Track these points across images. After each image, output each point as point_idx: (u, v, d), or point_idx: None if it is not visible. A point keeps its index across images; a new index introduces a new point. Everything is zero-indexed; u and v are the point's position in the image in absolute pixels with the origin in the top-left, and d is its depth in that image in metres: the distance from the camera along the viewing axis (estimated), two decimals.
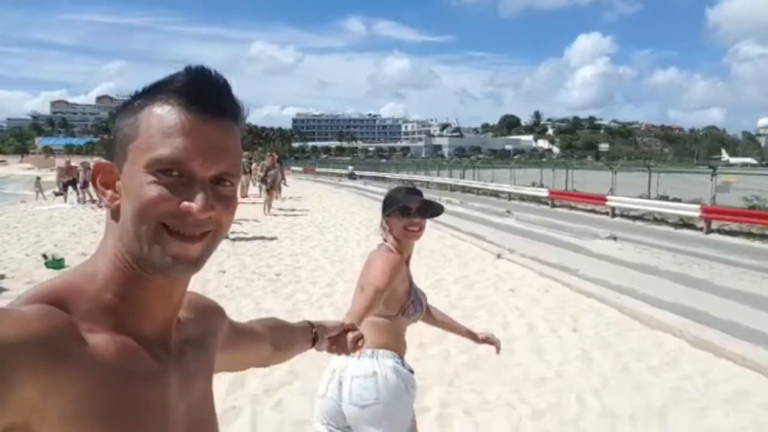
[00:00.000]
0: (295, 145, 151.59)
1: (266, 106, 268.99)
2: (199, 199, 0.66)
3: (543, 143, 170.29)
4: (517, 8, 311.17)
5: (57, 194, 21.48)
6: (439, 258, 9.00)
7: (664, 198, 16.84)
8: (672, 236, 12.98)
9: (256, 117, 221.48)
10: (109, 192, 0.69)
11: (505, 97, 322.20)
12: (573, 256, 10.04)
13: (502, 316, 5.95)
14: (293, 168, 61.28)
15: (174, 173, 0.66)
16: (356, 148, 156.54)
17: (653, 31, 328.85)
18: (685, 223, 14.29)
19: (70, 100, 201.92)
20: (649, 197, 16.89)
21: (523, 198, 22.85)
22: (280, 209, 16.20)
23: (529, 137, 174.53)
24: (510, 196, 23.54)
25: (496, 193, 25.21)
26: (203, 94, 0.67)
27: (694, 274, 8.54)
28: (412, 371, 2.11)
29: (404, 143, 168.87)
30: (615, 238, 11.68)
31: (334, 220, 14.51)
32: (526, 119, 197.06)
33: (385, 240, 2.14)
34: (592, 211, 18.20)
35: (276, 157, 17.53)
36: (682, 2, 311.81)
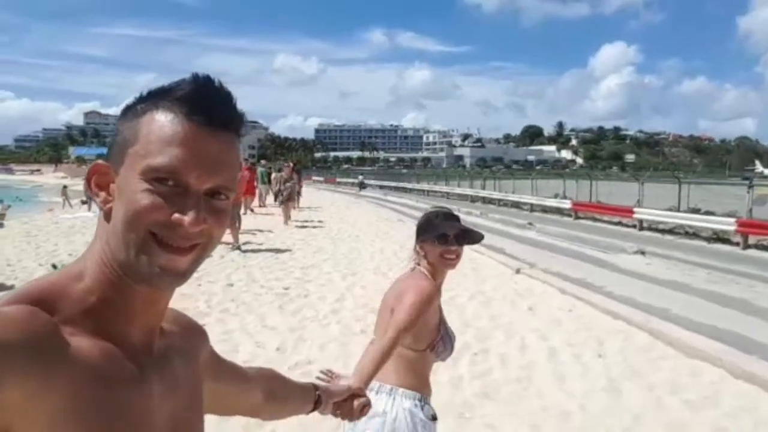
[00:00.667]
0: (318, 155, 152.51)
1: (290, 116, 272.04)
2: (192, 211, 0.66)
3: (566, 154, 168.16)
4: (539, 18, 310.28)
5: (83, 203, 21.71)
6: (454, 272, 8.50)
7: (696, 211, 16.13)
8: (705, 251, 12.30)
9: (279, 127, 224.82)
10: (103, 194, 0.69)
11: (527, 108, 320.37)
12: (598, 272, 9.50)
13: (520, 337, 5.49)
14: (314, 178, 61.40)
15: (169, 183, 0.65)
16: (378, 158, 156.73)
17: (680, 40, 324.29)
18: (719, 238, 13.55)
19: (103, 111, 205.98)
20: (679, 210, 16.18)
21: (545, 210, 22.23)
22: (296, 220, 15.90)
23: (552, 148, 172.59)
24: (532, 208, 22.93)
25: (517, 205, 24.61)
26: (207, 104, 0.67)
27: (732, 293, 7.94)
28: (434, 417, 1.95)
29: (425, 154, 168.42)
30: (643, 253, 11.08)
31: (350, 231, 14.15)
32: (549, 130, 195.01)
33: (418, 264, 2.02)
34: (619, 223, 17.52)
35: (293, 167, 17.34)
36: (710, 10, 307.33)
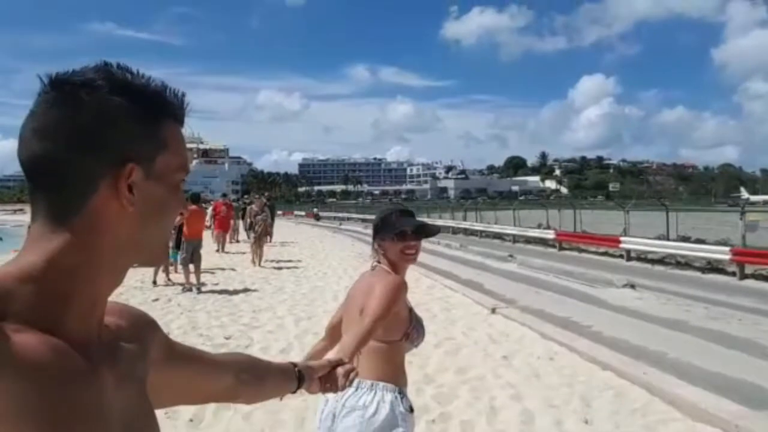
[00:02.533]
0: (301, 189, 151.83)
1: (273, 152, 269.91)
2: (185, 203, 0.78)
3: (551, 184, 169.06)
4: (518, 52, 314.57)
5: None
6: (423, 313, 7.50)
7: (686, 239, 15.36)
8: (700, 283, 11.44)
9: (264, 163, 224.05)
10: (129, 195, 0.66)
11: (510, 139, 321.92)
12: (584, 309, 8.58)
13: (489, 398, 4.51)
14: (296, 212, 60.39)
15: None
16: (362, 191, 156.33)
17: (657, 71, 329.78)
18: (713, 268, 12.71)
19: None
20: (668, 238, 15.42)
21: (528, 240, 21.41)
22: (265, 258, 14.84)
23: (536, 178, 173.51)
24: (515, 239, 22.11)
25: (500, 236, 23.80)
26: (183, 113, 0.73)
27: (735, 332, 7.04)
28: (411, 409, 1.97)
29: (410, 186, 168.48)
30: (633, 286, 10.19)
31: (318, 268, 13.14)
32: (532, 160, 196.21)
33: (379, 262, 2.05)
34: (605, 254, 16.71)
35: (265, 200, 16.19)
36: (684, 42, 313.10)
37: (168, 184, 0.69)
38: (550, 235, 19.80)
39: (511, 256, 15.65)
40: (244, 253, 15.28)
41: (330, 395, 1.86)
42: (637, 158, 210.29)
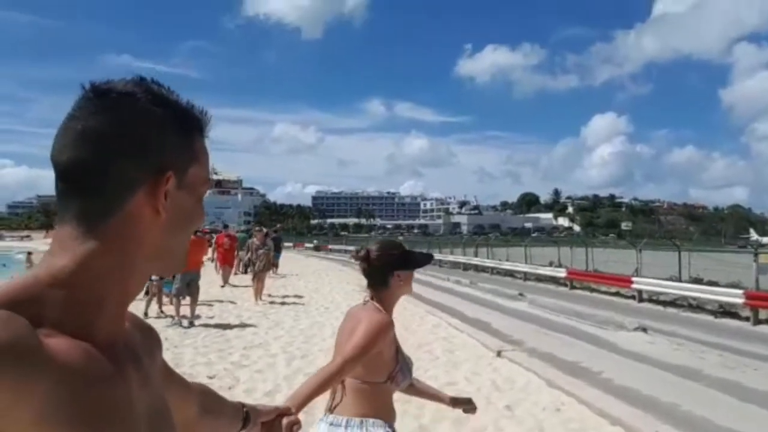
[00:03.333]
0: (314, 222, 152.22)
1: (288, 184, 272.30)
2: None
3: (563, 221, 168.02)
4: (531, 90, 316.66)
5: None
6: (424, 355, 7.22)
7: (698, 281, 14.88)
8: (713, 327, 10.96)
9: (278, 195, 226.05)
10: (164, 202, 0.68)
11: (523, 176, 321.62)
12: (594, 353, 8.18)
13: None
14: (307, 245, 60.28)
15: None
16: (374, 225, 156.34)
17: (667, 111, 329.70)
18: (726, 311, 12.22)
19: None
20: (680, 279, 14.95)
21: (539, 278, 20.96)
22: (267, 292, 14.55)
23: (549, 215, 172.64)
24: (525, 276, 21.67)
25: (510, 273, 23.37)
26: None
27: (751, 383, 6.61)
28: None
29: (423, 221, 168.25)
30: (645, 330, 9.76)
31: (321, 302, 12.83)
32: (545, 197, 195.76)
33: (371, 298, 2.02)
34: (617, 294, 16.23)
35: (265, 232, 15.17)
36: (693, 83, 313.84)
37: (195, 195, 0.72)
38: (561, 273, 19.36)
39: (521, 294, 15.25)
40: (248, 286, 14.92)
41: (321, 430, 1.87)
42: (649, 197, 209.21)
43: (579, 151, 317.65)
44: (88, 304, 0.64)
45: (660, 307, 13.75)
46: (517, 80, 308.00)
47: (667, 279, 15.08)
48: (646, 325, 10.07)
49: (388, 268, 2.02)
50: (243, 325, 9.38)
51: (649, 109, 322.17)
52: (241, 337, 8.37)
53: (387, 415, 1.95)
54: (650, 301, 14.58)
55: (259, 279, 12.66)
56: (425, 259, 2.16)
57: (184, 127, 0.71)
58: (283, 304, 12.38)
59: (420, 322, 9.70)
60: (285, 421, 1.20)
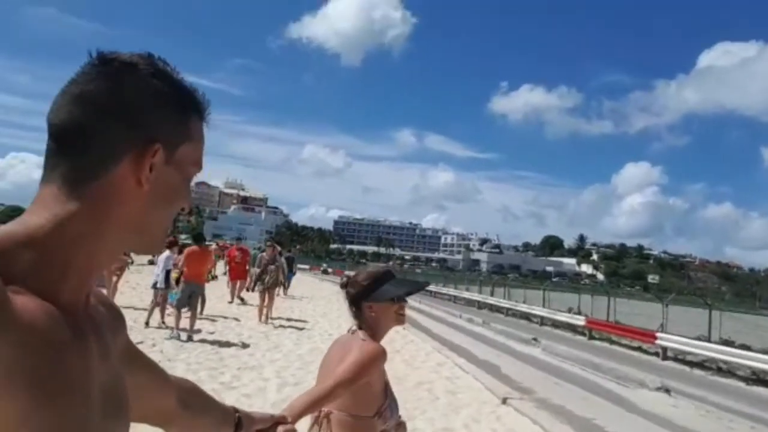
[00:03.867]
0: (333, 246, 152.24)
1: (312, 206, 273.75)
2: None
3: (587, 268, 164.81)
4: (564, 132, 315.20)
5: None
6: (424, 394, 6.68)
7: (729, 343, 14.03)
8: (744, 395, 10.12)
9: (301, 216, 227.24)
10: (149, 174, 0.68)
11: (548, 218, 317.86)
12: (611, 411, 7.53)
13: None
14: (322, 268, 59.96)
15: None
16: (393, 254, 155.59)
17: (705, 165, 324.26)
18: (759, 379, 11.37)
19: None
20: (709, 340, 14.09)
21: (556, 324, 20.13)
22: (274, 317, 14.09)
23: (572, 260, 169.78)
24: (542, 321, 20.87)
25: (527, 316, 22.58)
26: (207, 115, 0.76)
27: None
28: None
29: (442, 254, 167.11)
30: (668, 391, 9.03)
31: (326, 328, 12.34)
32: (569, 242, 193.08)
33: (360, 327, 1.93)
34: (639, 349, 15.40)
35: (278, 248, 14.30)
36: (734, 139, 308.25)
37: (183, 174, 0.72)
38: (580, 321, 18.56)
39: (535, 339, 14.53)
40: (256, 305, 14.46)
41: None
42: (679, 252, 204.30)
43: (608, 198, 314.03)
44: (56, 265, 0.63)
45: (686, 368, 12.91)
46: (550, 121, 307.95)
47: (694, 338, 14.23)
48: (670, 386, 9.33)
49: (358, 298, 1.95)
50: (241, 345, 8.94)
51: (686, 161, 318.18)
52: (236, 357, 7.94)
53: None
54: (675, 360, 13.73)
55: (268, 296, 11.87)
56: (403, 290, 1.96)
57: (181, 104, 0.71)
58: (286, 327, 11.91)
59: (425, 358, 9.15)
60: (281, 429, 1.18)
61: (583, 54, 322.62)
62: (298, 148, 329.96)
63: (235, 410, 1.10)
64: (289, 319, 13.04)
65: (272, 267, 12.14)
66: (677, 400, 8.65)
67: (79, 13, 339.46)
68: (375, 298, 1.92)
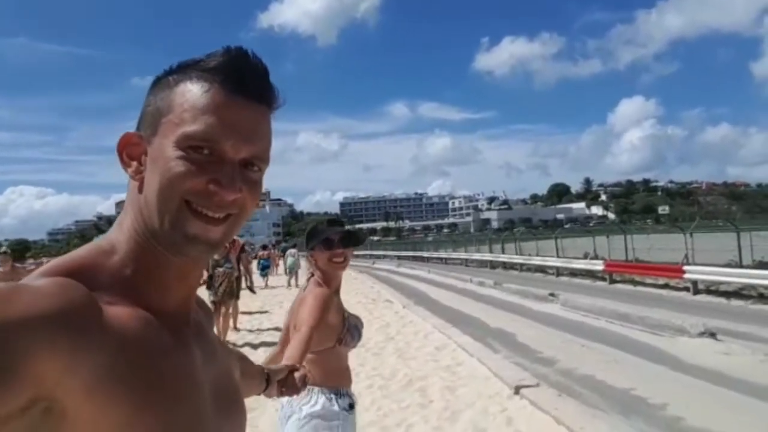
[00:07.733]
0: None
1: (317, 192, 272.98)
2: (228, 179, 0.65)
3: (597, 210, 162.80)
4: (552, 79, 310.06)
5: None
6: (415, 397, 5.27)
7: (765, 265, 12.61)
8: None
9: (307, 204, 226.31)
10: (135, 164, 0.68)
11: (551, 167, 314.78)
12: (650, 373, 6.19)
13: None
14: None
15: (204, 151, 0.65)
16: (403, 227, 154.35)
17: (697, 90, 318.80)
18: None
19: None
20: (741, 265, 12.69)
21: (573, 273, 18.79)
22: (245, 312, 12.80)
23: (581, 205, 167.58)
24: (558, 272, 19.55)
25: (541, 269, 21.27)
26: (242, 75, 0.67)
27: None
28: (351, 406, 2.03)
29: (452, 219, 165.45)
30: (714, 335, 7.65)
31: None
32: (576, 187, 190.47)
33: (312, 274, 2.14)
34: (666, 286, 14.03)
35: (242, 243, 10.68)
36: (722, 58, 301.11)
37: (170, 138, 0.68)
38: (598, 266, 17.20)
39: (552, 294, 13.17)
40: (252, 313, 12.85)
41: (283, 400, 1.95)
42: (685, 179, 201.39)
43: (607, 137, 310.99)
44: (140, 271, 0.64)
45: (722, 299, 11.54)
46: (537, 70, 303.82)
47: (725, 266, 12.83)
48: (713, 327, 7.95)
49: (306, 245, 2.14)
50: None
51: (678, 88, 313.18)
52: None
53: (339, 380, 2.06)
54: (708, 292, 12.36)
55: (222, 313, 8.53)
56: (323, 236, 2.08)
57: (170, 80, 0.69)
58: (259, 330, 10.50)
59: (422, 342, 7.81)
60: (297, 374, 1.34)
61: None
62: (291, 137, 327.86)
63: (263, 368, 1.26)
64: (266, 311, 11.61)
65: (220, 270, 8.44)
66: (727, 344, 7.27)
67: (49, 39, 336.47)
68: (311, 247, 2.12)
